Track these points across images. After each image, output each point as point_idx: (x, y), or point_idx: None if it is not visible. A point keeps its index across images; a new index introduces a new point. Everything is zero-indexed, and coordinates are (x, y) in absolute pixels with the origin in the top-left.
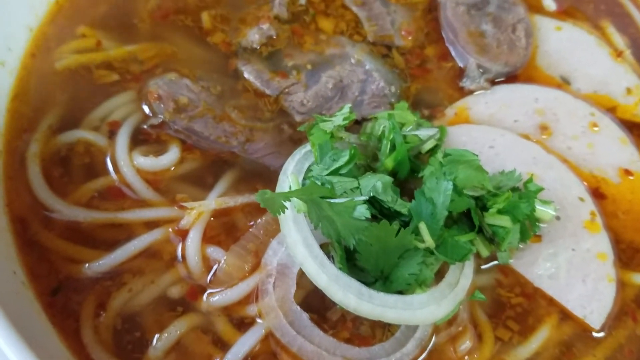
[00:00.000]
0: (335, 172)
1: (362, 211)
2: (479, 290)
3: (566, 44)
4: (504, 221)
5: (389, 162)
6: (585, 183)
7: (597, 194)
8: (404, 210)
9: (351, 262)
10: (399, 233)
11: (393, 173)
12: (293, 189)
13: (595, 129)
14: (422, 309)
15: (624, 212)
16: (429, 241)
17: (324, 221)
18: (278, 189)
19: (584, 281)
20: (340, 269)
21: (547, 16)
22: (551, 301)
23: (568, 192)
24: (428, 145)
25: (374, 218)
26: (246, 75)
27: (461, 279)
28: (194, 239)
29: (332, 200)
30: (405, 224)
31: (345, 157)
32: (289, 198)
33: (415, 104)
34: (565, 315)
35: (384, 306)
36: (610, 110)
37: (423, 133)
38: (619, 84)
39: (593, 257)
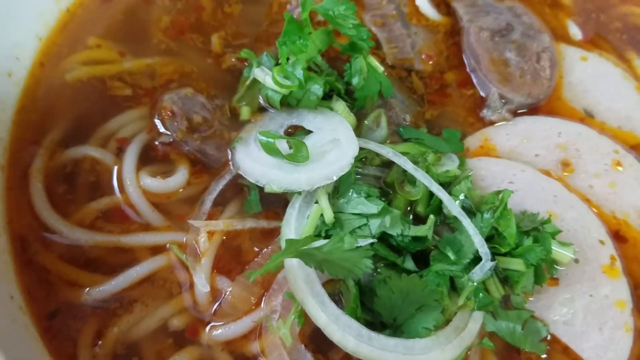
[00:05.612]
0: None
1: (350, 240)
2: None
3: (591, 76)
4: (517, 264)
5: (421, 209)
6: (605, 225)
7: (618, 237)
8: (420, 233)
9: (365, 303)
10: (425, 290)
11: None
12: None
13: (619, 168)
14: (424, 355)
15: None
16: None
17: (325, 264)
18: (284, 223)
19: (600, 329)
20: (353, 308)
21: (572, 45)
22: (566, 349)
23: (588, 234)
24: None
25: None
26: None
27: (470, 323)
28: (205, 267)
29: (316, 244)
30: (422, 254)
31: (374, 208)
32: (278, 264)
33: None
34: None
35: (383, 349)
36: (634, 147)
37: (448, 168)
38: None
39: (611, 305)
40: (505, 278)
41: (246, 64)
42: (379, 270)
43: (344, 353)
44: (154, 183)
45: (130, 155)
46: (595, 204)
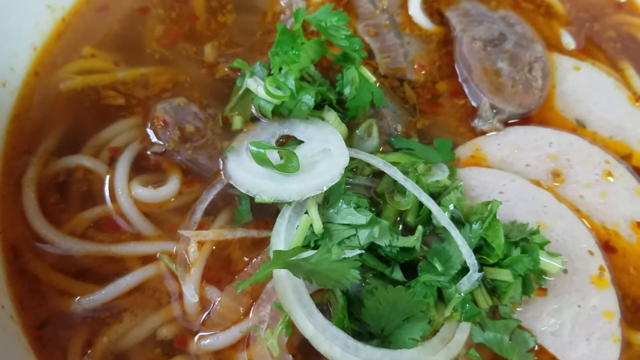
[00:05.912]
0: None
1: (337, 251)
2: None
3: (583, 85)
4: (504, 275)
5: (410, 219)
6: (595, 235)
7: (607, 247)
8: (408, 244)
9: (353, 313)
10: (412, 301)
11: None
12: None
13: (610, 178)
14: None
15: (635, 267)
16: None
17: (313, 275)
18: (273, 233)
19: (588, 340)
20: (341, 318)
21: (565, 55)
22: (553, 359)
23: (577, 245)
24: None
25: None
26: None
27: (457, 334)
28: (194, 277)
29: (304, 255)
30: (411, 265)
31: (362, 219)
32: (266, 275)
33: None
34: None
35: None
36: (626, 157)
37: (438, 178)
38: (636, 130)
39: (599, 315)
40: (493, 288)
41: (239, 73)
42: (367, 280)
43: None
44: (145, 193)
45: (123, 165)
46: (586, 214)
